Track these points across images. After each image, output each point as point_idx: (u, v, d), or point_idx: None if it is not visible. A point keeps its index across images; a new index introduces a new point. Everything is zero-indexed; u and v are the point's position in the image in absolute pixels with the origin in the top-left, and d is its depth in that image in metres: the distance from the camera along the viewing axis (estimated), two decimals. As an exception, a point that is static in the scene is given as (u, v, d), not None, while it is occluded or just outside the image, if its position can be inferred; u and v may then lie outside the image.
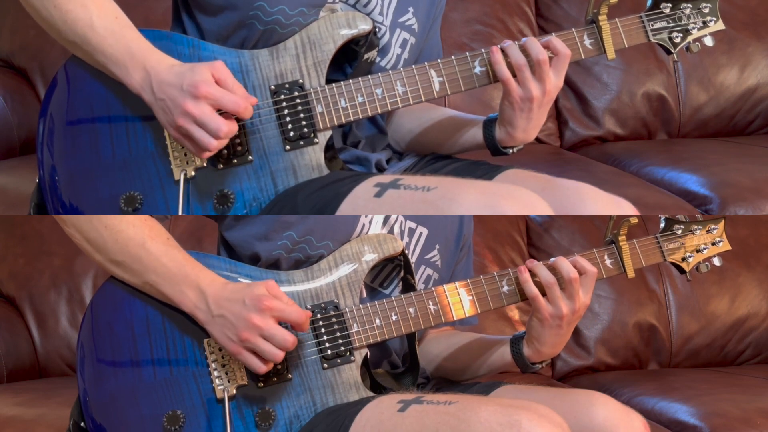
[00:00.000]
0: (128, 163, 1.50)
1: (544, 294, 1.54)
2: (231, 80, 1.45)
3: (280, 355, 1.45)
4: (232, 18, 1.52)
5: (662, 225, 1.65)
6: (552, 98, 1.55)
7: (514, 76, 1.53)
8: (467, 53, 1.55)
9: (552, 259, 1.55)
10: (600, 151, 2.78)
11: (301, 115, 1.51)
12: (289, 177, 1.51)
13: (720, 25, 1.62)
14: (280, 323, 1.45)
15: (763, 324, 2.65)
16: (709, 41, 1.62)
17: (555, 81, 1.53)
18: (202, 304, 1.46)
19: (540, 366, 1.60)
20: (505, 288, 1.56)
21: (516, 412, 1.34)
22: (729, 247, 1.67)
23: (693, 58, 2.78)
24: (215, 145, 1.45)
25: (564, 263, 1.53)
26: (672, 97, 2.87)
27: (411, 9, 1.61)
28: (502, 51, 1.53)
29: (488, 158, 1.65)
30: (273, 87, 1.51)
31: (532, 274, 1.54)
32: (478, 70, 1.55)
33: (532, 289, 1.53)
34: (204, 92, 1.43)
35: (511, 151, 1.60)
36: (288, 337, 1.45)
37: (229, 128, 1.45)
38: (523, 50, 1.53)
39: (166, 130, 1.47)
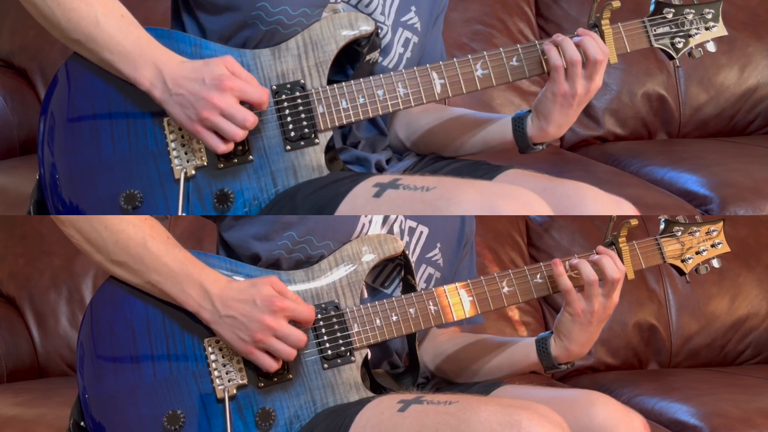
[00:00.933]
0: (128, 161, 1.50)
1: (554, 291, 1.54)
2: (245, 73, 1.46)
3: (293, 353, 1.46)
4: (235, 18, 1.52)
5: (662, 227, 1.65)
6: (590, 98, 1.56)
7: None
8: (469, 56, 1.54)
9: (595, 257, 1.55)
10: (600, 151, 2.77)
11: (302, 116, 1.51)
12: (289, 177, 1.51)
13: (722, 31, 1.62)
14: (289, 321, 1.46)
15: (763, 324, 2.65)
16: (711, 47, 1.62)
17: (599, 81, 1.54)
18: (207, 304, 1.46)
19: (566, 367, 1.60)
20: (506, 289, 1.56)
21: (516, 412, 1.34)
22: (728, 249, 1.67)
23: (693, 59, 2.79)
24: (241, 135, 1.45)
25: (609, 262, 1.54)
26: (672, 97, 2.86)
27: (413, 8, 1.61)
28: (556, 45, 1.53)
29: (488, 158, 1.65)
30: (274, 87, 1.51)
31: (571, 268, 1.54)
32: (480, 72, 1.55)
33: (566, 282, 1.54)
34: (230, 85, 1.43)
35: (540, 147, 1.60)
36: (301, 336, 1.46)
37: (255, 118, 1.46)
38: (579, 47, 1.53)
39: (183, 125, 1.46)
